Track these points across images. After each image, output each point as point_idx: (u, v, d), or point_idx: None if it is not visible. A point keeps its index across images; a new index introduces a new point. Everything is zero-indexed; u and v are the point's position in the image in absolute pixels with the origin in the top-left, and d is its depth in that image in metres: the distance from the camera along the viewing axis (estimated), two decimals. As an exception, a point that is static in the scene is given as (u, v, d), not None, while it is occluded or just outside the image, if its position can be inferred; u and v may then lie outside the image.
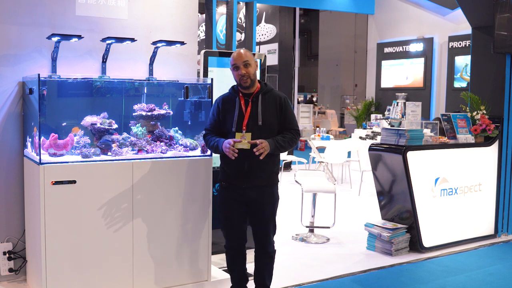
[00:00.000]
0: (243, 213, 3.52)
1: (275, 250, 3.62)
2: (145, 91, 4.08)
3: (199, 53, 4.55)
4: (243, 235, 3.58)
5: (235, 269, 3.65)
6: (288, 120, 3.46)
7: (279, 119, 3.44)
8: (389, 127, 8.92)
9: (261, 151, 3.27)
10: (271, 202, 3.51)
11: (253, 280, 3.68)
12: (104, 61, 3.96)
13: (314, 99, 22.99)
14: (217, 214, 3.79)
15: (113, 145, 3.61)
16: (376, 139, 9.39)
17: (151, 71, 4.15)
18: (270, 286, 3.66)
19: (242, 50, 3.41)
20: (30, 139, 3.68)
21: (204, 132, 3.60)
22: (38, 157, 3.34)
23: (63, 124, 3.72)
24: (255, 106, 3.41)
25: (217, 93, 4.03)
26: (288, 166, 10.37)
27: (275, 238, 3.62)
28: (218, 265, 4.27)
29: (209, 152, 3.86)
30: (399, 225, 5.07)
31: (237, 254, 3.62)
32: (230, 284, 3.73)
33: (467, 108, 5.82)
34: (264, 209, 3.48)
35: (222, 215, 3.59)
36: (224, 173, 3.51)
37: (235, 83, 3.51)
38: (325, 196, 6.33)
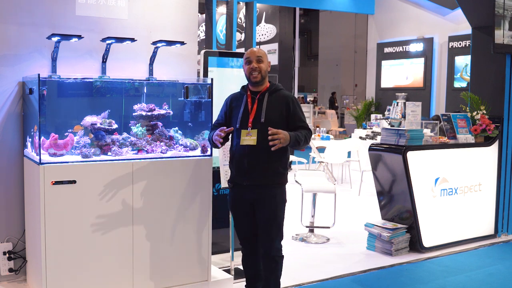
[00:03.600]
0: (248, 213, 3.39)
1: (282, 256, 3.42)
2: (145, 91, 4.08)
3: (199, 53, 4.55)
4: (251, 234, 3.44)
5: (247, 267, 3.55)
6: (298, 118, 3.34)
7: (285, 119, 3.32)
8: (389, 127, 8.92)
9: (275, 142, 3.11)
10: (273, 204, 3.33)
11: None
12: (104, 61, 3.96)
13: (309, 99, 22.97)
14: (217, 214, 3.77)
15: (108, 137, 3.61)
16: (376, 139, 9.39)
17: (151, 71, 4.15)
18: None
19: (256, 48, 3.42)
20: (30, 139, 3.68)
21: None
22: (38, 157, 3.34)
23: (64, 129, 3.71)
24: (261, 103, 3.34)
25: (217, 93, 4.03)
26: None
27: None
28: (218, 265, 4.27)
29: (209, 152, 3.86)
30: (399, 225, 5.07)
31: (249, 253, 3.51)
32: (230, 284, 3.73)
33: (467, 108, 5.82)
34: (265, 211, 3.33)
35: (233, 216, 3.57)
36: (230, 172, 3.48)
37: (241, 85, 3.48)
38: (325, 196, 6.33)
